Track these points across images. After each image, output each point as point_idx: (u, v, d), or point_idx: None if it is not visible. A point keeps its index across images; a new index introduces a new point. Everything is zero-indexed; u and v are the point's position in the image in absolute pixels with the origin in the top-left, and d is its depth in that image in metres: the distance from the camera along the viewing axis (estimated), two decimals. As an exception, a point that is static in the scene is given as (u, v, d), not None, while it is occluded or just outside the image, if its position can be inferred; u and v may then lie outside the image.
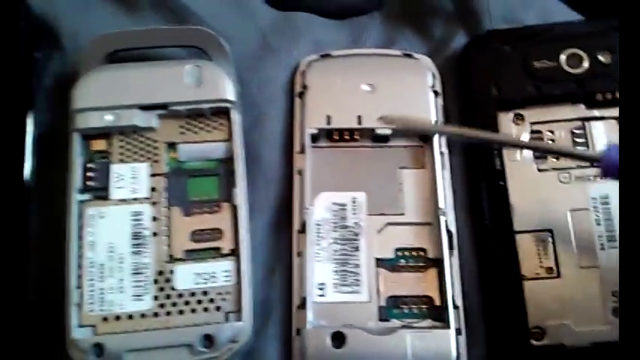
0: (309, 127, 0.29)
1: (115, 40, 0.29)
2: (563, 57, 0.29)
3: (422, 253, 0.27)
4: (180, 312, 0.25)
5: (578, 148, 0.28)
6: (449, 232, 0.27)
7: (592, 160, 0.19)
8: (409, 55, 0.31)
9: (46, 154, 0.29)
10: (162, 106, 0.28)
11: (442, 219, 0.27)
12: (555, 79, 0.29)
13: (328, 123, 0.29)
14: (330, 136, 0.29)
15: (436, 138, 0.29)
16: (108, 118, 0.27)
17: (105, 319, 0.25)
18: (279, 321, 0.27)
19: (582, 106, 0.29)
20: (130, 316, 0.25)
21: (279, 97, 0.31)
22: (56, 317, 0.25)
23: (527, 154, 0.28)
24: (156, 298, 0.25)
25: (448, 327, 0.26)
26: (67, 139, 0.28)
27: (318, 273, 0.27)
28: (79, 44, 0.31)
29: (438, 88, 0.30)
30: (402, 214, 0.28)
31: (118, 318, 0.25)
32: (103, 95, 0.27)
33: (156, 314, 0.25)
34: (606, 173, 0.19)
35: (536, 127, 0.29)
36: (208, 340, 0.25)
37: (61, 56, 0.31)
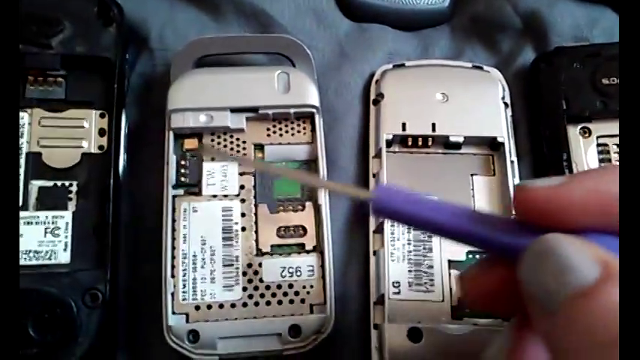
0: (385, 133, 0.31)
1: (207, 45, 0.31)
2: (630, 75, 0.31)
3: (492, 257, 0.29)
4: (268, 303, 0.27)
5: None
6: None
7: (363, 200, 0.21)
8: (479, 67, 0.33)
9: (134, 150, 0.31)
10: (253, 110, 0.30)
11: (513, 224, 0.29)
12: (622, 96, 0.31)
13: (403, 129, 0.31)
14: (405, 142, 0.31)
15: (507, 147, 0.31)
16: (201, 119, 0.29)
17: (197, 307, 0.27)
18: (356, 316, 0.29)
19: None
20: (221, 305, 0.27)
21: (355, 104, 0.33)
22: (152, 304, 0.27)
23: (595, 162, 0.30)
24: (244, 289, 0.27)
25: (519, 326, 0.28)
26: (153, 135, 0.30)
27: (393, 272, 0.29)
28: (165, 45, 0.33)
29: (508, 100, 0.32)
30: (474, 219, 0.30)
31: (209, 307, 0.27)
32: (196, 97, 0.29)
33: (245, 304, 0.27)
34: (375, 212, 0.20)
35: (602, 141, 0.31)
36: (295, 330, 0.27)
37: (149, 57, 0.33)
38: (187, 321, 0.27)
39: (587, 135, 0.31)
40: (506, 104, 0.32)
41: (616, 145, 0.30)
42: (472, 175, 0.31)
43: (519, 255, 0.18)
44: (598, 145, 0.30)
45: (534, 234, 0.18)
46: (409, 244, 0.29)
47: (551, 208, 0.18)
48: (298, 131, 0.30)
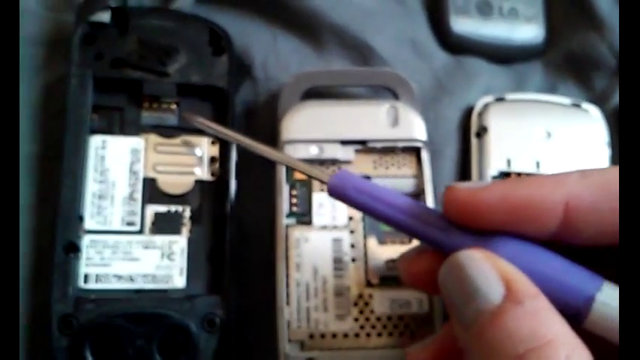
0: (491, 168, 0.32)
1: (315, 77, 0.32)
2: None
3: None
4: (379, 334, 0.29)
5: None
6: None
7: (322, 181, 0.24)
8: (577, 105, 0.34)
9: (241, 180, 0.32)
10: (361, 142, 0.31)
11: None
12: None
13: (508, 165, 0.32)
14: (508, 177, 0.32)
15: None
16: (312, 151, 0.31)
17: (311, 336, 0.28)
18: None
19: None
20: (334, 335, 0.28)
21: (453, 136, 0.34)
22: (264, 332, 0.29)
23: None
24: (356, 319, 0.29)
25: None
26: (258, 163, 0.32)
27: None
28: (268, 75, 0.34)
29: (609, 140, 0.33)
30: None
31: (323, 336, 0.28)
32: (308, 129, 0.31)
33: (357, 335, 0.28)
34: (331, 194, 0.24)
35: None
36: (410, 358, 0.28)
37: (251, 85, 0.34)
38: (302, 349, 0.28)
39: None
40: (608, 145, 0.33)
41: None
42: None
43: (445, 251, 0.21)
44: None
45: (461, 232, 0.21)
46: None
47: (469, 209, 0.21)
48: (404, 164, 0.32)
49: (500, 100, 0.34)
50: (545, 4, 0.37)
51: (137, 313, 0.28)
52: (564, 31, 0.37)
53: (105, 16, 0.31)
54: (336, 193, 0.24)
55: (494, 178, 0.32)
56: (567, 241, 0.21)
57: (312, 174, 0.25)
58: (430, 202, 0.31)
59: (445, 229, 0.22)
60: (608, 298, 0.20)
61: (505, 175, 0.32)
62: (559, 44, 0.37)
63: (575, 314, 0.20)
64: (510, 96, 0.34)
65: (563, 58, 0.37)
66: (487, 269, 0.20)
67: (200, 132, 0.31)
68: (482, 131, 0.33)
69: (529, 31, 0.36)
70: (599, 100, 0.35)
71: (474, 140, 0.33)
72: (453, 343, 0.21)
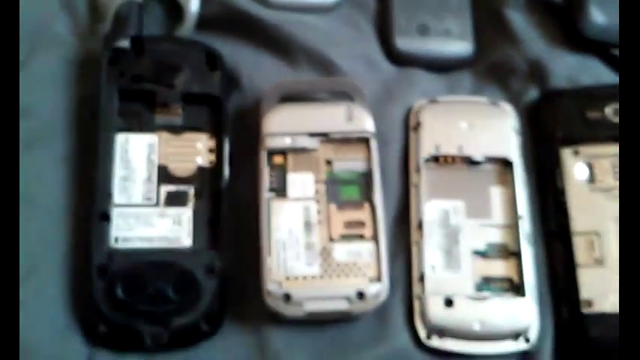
0: (423, 153, 0.43)
1: (290, 86, 0.43)
2: (608, 110, 0.43)
3: (506, 247, 0.41)
4: (339, 276, 0.39)
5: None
6: (525, 232, 0.41)
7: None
8: (495, 103, 0.45)
9: (233, 166, 0.43)
10: (324, 134, 0.42)
11: (520, 223, 0.41)
12: (603, 125, 0.43)
13: (437, 151, 0.43)
14: (437, 160, 0.43)
15: (516, 165, 0.42)
16: (287, 141, 0.41)
17: (287, 278, 0.39)
18: (402, 290, 0.40)
19: (622, 146, 0.42)
20: (304, 277, 0.39)
21: (397, 130, 0.45)
22: (251, 277, 0.39)
23: (582, 177, 0.42)
24: (321, 266, 0.39)
25: (524, 296, 0.39)
26: (247, 154, 0.42)
27: (430, 257, 0.41)
28: (253, 85, 0.45)
29: (518, 129, 0.44)
30: (491, 218, 0.42)
31: (296, 278, 0.39)
32: (283, 125, 0.41)
33: (321, 276, 0.39)
34: None
35: (589, 161, 0.42)
36: (360, 295, 0.38)
37: (240, 93, 0.45)
38: (280, 287, 0.38)
39: (576, 155, 0.42)
40: (516, 132, 0.44)
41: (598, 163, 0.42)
42: (490, 185, 0.42)
43: None
44: (585, 163, 0.42)
45: None
46: (441, 237, 0.41)
47: None
48: (357, 150, 0.42)
49: (433, 101, 0.45)
50: (473, 24, 0.48)
51: (155, 262, 0.38)
52: (488, 45, 0.48)
53: (125, 43, 0.42)
54: None
55: (426, 160, 0.42)
56: None
57: None
58: (377, 179, 0.41)
59: None
60: None
61: (434, 158, 0.43)
62: (484, 56, 0.48)
63: None
64: (441, 98, 0.45)
65: (488, 68, 0.47)
66: None
67: (201, 129, 0.42)
68: (417, 125, 0.44)
69: (460, 47, 0.47)
70: (514, 99, 0.46)
71: (412, 133, 0.44)
72: None
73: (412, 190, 0.42)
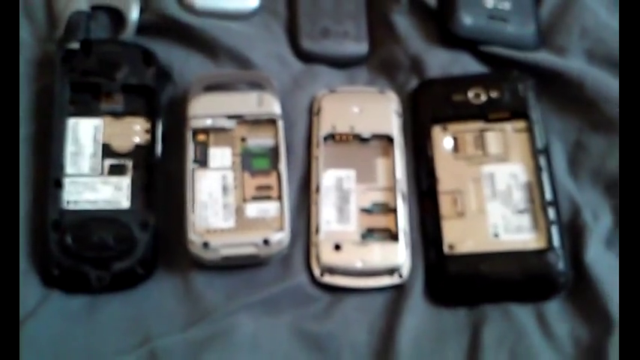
0: (323, 132, 0.53)
1: (211, 77, 0.53)
2: (470, 93, 0.53)
3: (387, 205, 0.51)
4: (249, 228, 0.48)
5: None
6: (402, 193, 0.51)
7: None
8: (383, 92, 0.56)
9: (166, 144, 0.52)
10: (240, 116, 0.52)
11: (398, 185, 0.51)
12: (466, 106, 0.53)
13: (334, 129, 0.53)
14: (334, 137, 0.53)
15: (396, 140, 0.53)
16: (208, 122, 0.51)
17: (208, 231, 0.48)
18: (303, 241, 0.50)
19: (481, 123, 0.53)
20: (222, 230, 0.48)
21: (304, 114, 0.55)
22: (177, 231, 0.49)
23: (449, 147, 0.52)
24: (236, 221, 0.49)
25: (397, 241, 0.49)
26: (178, 134, 0.52)
27: (326, 214, 0.51)
28: (183, 78, 0.55)
29: (400, 112, 0.55)
30: (376, 183, 0.52)
31: (215, 231, 0.48)
32: (205, 108, 0.51)
33: (236, 229, 0.48)
34: None
35: (454, 135, 0.53)
36: (267, 242, 0.48)
37: (172, 86, 0.55)
38: (202, 237, 0.48)
39: (445, 130, 0.53)
40: (398, 115, 0.54)
41: (462, 137, 0.53)
42: (376, 158, 0.53)
43: None
44: (451, 136, 0.53)
45: None
46: (336, 198, 0.51)
47: None
48: (267, 130, 0.52)
49: (332, 91, 0.55)
50: (368, 28, 0.58)
51: (99, 218, 0.48)
52: (379, 44, 0.58)
53: (76, 45, 0.52)
54: None
55: (325, 138, 0.53)
56: None
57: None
58: (282, 153, 0.51)
59: None
60: None
61: (331, 135, 0.53)
62: (376, 54, 0.58)
63: None
64: (339, 88, 0.56)
65: (379, 63, 0.58)
66: None
67: (138, 114, 0.52)
68: (319, 110, 0.54)
69: (356, 46, 0.58)
70: (400, 89, 0.56)
71: (314, 116, 0.54)
72: None
73: (313, 162, 0.53)
